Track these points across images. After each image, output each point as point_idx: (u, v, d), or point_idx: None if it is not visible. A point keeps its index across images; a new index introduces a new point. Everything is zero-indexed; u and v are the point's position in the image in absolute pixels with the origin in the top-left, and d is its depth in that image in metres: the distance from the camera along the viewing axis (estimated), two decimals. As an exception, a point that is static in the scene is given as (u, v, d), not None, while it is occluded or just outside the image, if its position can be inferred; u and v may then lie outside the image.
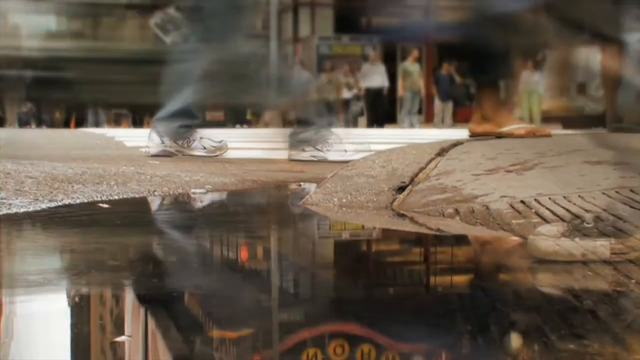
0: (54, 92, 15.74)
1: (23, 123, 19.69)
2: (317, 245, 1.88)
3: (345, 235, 2.05)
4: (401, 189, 2.33)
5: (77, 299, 1.20)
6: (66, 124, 18.85)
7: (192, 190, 2.68)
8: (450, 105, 18.17)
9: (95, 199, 2.37)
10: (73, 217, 2.11)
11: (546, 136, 3.31)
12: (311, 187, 2.75)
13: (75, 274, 1.40)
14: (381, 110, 18.41)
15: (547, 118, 16.67)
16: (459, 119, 16.48)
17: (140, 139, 4.53)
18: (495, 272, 1.46)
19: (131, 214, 2.30)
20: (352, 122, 20.88)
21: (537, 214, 1.76)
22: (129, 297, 1.24)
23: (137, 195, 2.52)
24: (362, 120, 20.07)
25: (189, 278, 1.37)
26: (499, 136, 3.34)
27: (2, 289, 1.28)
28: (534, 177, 2.22)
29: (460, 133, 3.98)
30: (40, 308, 1.15)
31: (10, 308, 1.16)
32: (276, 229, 2.18)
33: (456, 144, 3.25)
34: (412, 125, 17.18)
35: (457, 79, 17.84)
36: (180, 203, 2.55)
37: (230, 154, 4.39)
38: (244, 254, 1.70)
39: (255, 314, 1.12)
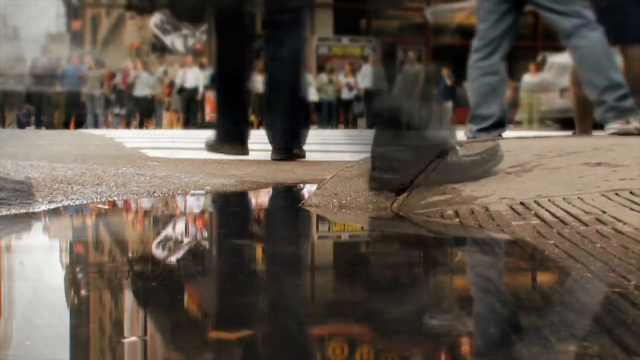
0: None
1: (23, 124, 19.68)
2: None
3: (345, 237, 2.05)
4: (401, 190, 2.33)
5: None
6: (66, 125, 18.82)
7: (192, 192, 2.68)
8: (449, 107, 18.22)
9: (95, 200, 2.37)
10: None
11: None
12: (312, 188, 2.74)
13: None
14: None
15: (547, 119, 16.71)
16: (457, 120, 16.48)
17: (140, 140, 4.53)
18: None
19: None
20: (352, 123, 20.90)
21: (537, 215, 1.76)
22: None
23: (137, 197, 2.52)
24: (362, 121, 20.09)
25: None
26: None
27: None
28: (534, 179, 2.22)
29: (460, 134, 3.96)
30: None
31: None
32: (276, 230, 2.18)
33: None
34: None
35: (449, 81, 17.90)
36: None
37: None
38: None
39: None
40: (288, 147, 4.47)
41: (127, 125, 20.22)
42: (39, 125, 18.95)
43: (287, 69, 4.50)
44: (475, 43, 4.73)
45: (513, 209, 1.86)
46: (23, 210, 2.08)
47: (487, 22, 4.65)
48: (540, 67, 17.32)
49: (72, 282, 1.33)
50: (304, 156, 4.53)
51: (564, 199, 1.87)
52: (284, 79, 4.48)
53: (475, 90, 4.73)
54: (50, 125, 18.84)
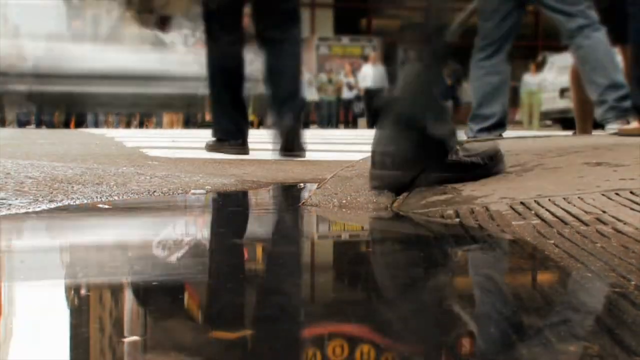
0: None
1: (23, 123, 19.69)
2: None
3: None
4: (401, 190, 2.33)
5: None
6: (66, 125, 18.83)
7: (192, 191, 2.68)
8: (449, 105, 18.25)
9: (95, 199, 2.37)
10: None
11: None
12: (312, 187, 2.75)
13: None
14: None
15: (547, 119, 16.72)
16: (457, 119, 16.53)
17: (140, 139, 4.53)
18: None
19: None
20: (352, 123, 20.87)
21: (537, 215, 1.76)
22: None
23: (137, 196, 2.52)
24: (362, 121, 20.08)
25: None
26: None
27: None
28: (534, 179, 2.22)
29: (460, 134, 3.97)
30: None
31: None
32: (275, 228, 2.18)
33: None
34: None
35: (449, 81, 17.95)
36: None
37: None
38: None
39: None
40: (288, 146, 4.48)
41: (128, 125, 20.20)
42: (39, 124, 18.93)
43: (286, 68, 4.51)
44: (478, 42, 4.70)
45: (513, 209, 1.87)
46: (23, 210, 2.08)
47: (490, 21, 4.63)
48: (540, 67, 17.34)
49: (72, 282, 1.33)
50: (304, 155, 4.54)
51: (564, 198, 1.88)
52: (282, 79, 4.50)
53: (478, 89, 4.71)
54: (50, 125, 18.82)
